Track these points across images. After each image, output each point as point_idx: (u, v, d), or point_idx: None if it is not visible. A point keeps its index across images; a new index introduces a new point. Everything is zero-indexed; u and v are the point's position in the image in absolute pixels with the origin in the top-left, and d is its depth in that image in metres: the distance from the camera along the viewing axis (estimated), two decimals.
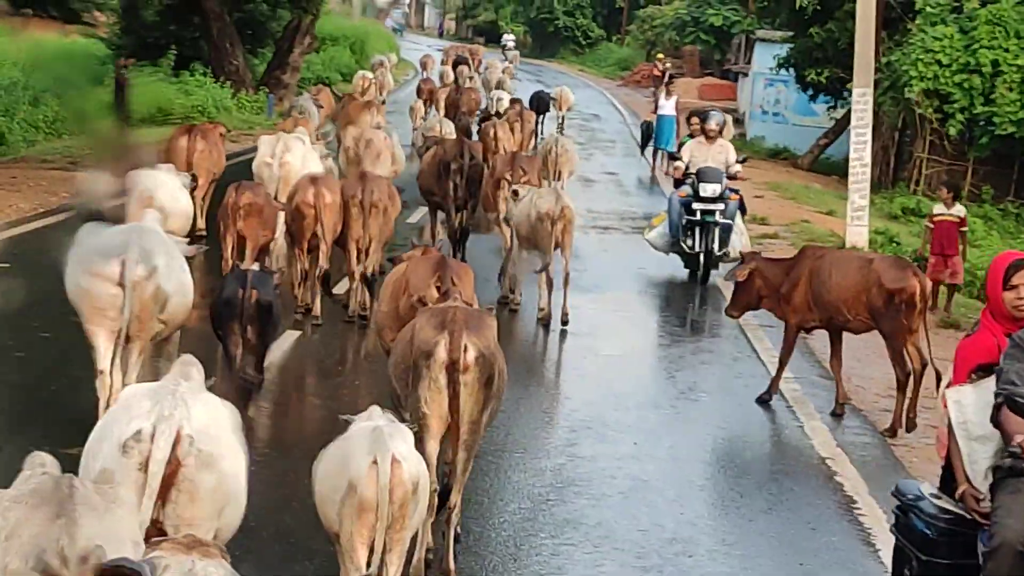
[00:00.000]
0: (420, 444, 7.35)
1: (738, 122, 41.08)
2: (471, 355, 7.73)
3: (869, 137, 22.84)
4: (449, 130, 22.85)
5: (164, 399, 5.96)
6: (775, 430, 12.36)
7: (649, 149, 31.96)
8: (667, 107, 30.82)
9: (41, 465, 5.09)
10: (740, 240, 18.49)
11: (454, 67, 41.10)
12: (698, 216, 18.15)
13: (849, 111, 36.36)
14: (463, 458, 7.81)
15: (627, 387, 13.22)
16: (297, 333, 13.85)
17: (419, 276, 9.62)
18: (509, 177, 16.72)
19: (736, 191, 18.63)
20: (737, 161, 18.74)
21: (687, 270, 18.80)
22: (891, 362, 12.20)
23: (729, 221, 18.26)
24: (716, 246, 18.16)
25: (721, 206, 18.18)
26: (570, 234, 14.98)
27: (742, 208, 19.23)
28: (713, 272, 18.40)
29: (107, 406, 8.71)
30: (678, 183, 18.91)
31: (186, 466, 5.86)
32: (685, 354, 14.82)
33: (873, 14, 23.60)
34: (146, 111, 29.37)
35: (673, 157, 19.17)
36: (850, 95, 35.55)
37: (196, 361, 6.62)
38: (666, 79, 36.27)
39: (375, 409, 6.77)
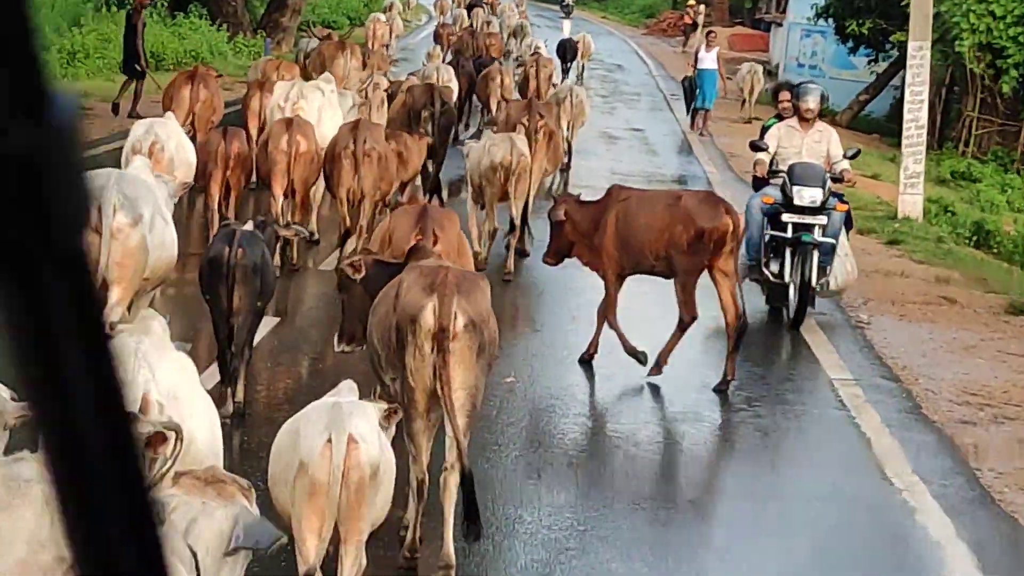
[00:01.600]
0: (406, 423, 7.23)
1: (771, 75, 39.48)
2: (461, 322, 7.41)
3: (926, 96, 21.16)
4: (448, 76, 21.95)
5: (127, 360, 5.78)
6: (838, 454, 10.62)
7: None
8: (708, 60, 28.77)
9: None
10: (845, 266, 14.12)
11: (468, 10, 39.57)
12: (789, 232, 13.56)
13: (892, 64, 35.28)
14: (462, 424, 7.40)
15: (662, 391, 11.61)
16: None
17: (401, 229, 9.59)
18: (526, 123, 16.16)
19: (842, 198, 13.94)
20: (845, 156, 14.04)
21: (769, 306, 14.36)
22: (678, 305, 11.73)
23: (832, 240, 13.60)
24: (814, 275, 13.43)
25: (822, 219, 13.46)
26: (525, 182, 14.67)
27: (848, 222, 14.49)
28: (808, 309, 13.70)
29: None
30: (759, 183, 14.39)
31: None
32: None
33: None
34: None
35: (755, 148, 14.01)
36: (893, 47, 34.60)
37: (159, 315, 6.37)
38: (695, 26, 34.81)
39: (346, 384, 6.43)
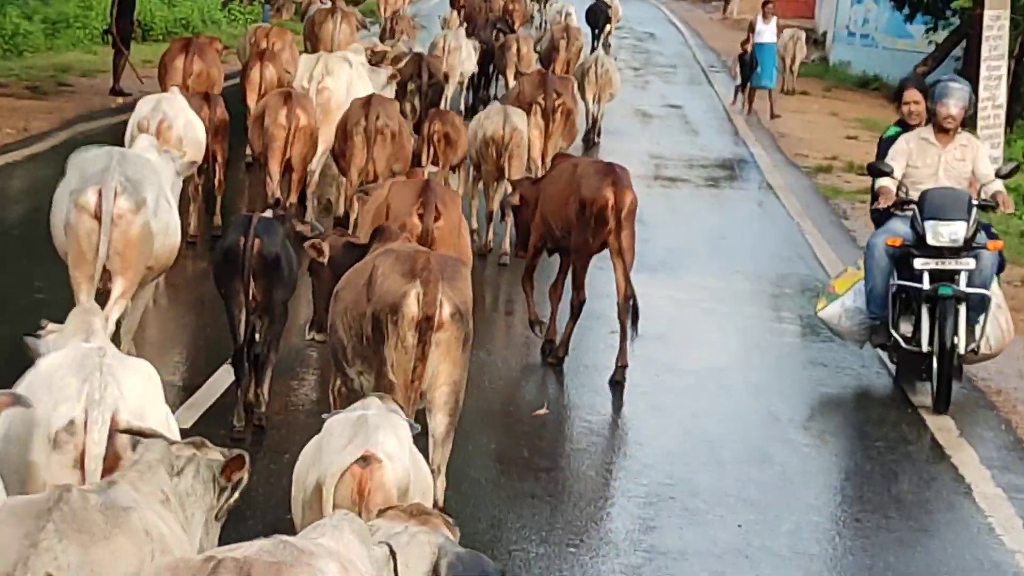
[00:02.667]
0: None
1: (817, 44, 38.46)
2: (447, 311, 7.37)
3: (1004, 72, 19.94)
4: (455, 44, 21.26)
5: (92, 375, 5.61)
6: (936, 498, 9.48)
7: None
8: (766, 33, 27.19)
9: (132, 463, 5.12)
10: (999, 323, 11.33)
11: None
12: (925, 282, 10.90)
13: (953, 33, 34.09)
14: (443, 423, 7.47)
15: (721, 425, 10.43)
16: None
17: (401, 201, 9.58)
18: (542, 101, 15.87)
19: (991, 232, 11.29)
20: (999, 174, 11.32)
21: (899, 382, 11.56)
22: (571, 287, 11.32)
23: (983, 291, 10.94)
24: (960, 338, 10.78)
25: (968, 263, 10.85)
26: (518, 159, 14.33)
27: (1000, 264, 11.46)
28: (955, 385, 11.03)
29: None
30: (882, 216, 11.40)
31: (126, 458, 5.50)
32: (798, 369, 12.01)
33: None
34: None
35: (875, 171, 11.32)
36: (954, 14, 33.40)
37: (96, 308, 6.43)
38: None
39: (373, 400, 6.12)
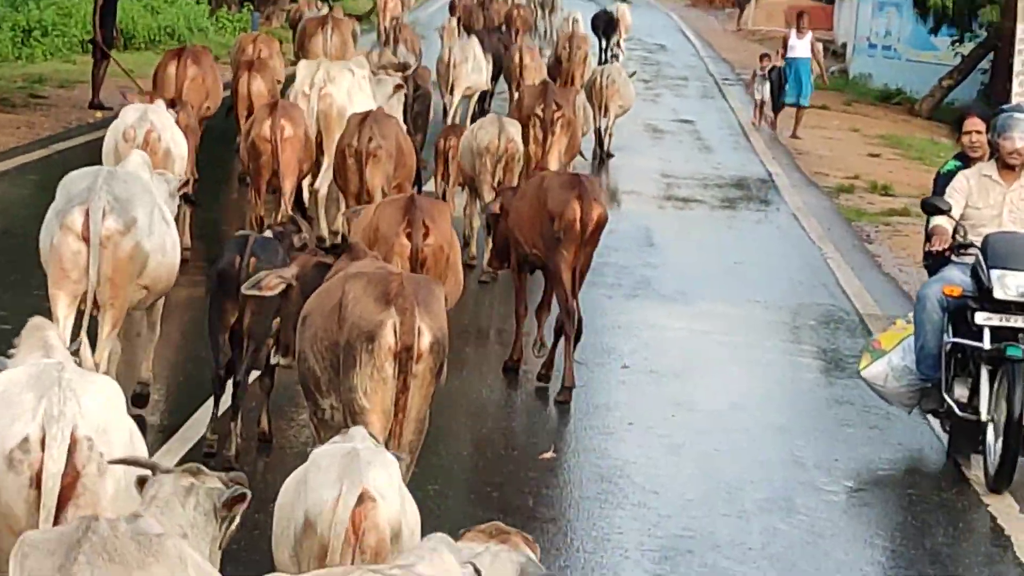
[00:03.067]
0: None
1: (836, 55, 38.34)
2: (426, 340, 7.23)
3: None
4: (461, 57, 21.13)
5: (50, 391, 5.61)
6: (973, 551, 9.23)
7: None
8: (800, 47, 26.86)
9: (151, 499, 5.26)
10: None
11: None
12: (986, 341, 9.93)
13: (979, 46, 33.93)
14: (404, 463, 6.98)
15: (741, 470, 10.14)
16: None
17: (387, 221, 9.67)
18: (541, 113, 15.89)
19: None
20: None
21: (953, 454, 10.64)
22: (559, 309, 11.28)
23: None
24: None
25: None
26: (512, 172, 14.37)
27: None
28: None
29: None
30: (936, 262, 10.60)
31: (86, 476, 5.58)
32: (823, 408, 11.73)
33: None
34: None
35: (930, 208, 10.42)
36: (981, 27, 33.28)
37: (48, 323, 6.40)
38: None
39: (358, 430, 6.02)
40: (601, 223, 11.08)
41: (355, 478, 5.61)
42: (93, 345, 9.13)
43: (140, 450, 5.88)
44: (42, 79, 24.19)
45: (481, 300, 13.86)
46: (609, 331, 13.14)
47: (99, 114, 21.12)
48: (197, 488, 5.32)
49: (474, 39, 22.16)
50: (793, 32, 27.26)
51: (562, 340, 11.24)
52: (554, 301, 11.54)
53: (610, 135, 22.31)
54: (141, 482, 5.49)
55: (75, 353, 6.59)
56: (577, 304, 11.12)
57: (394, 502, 5.68)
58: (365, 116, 13.52)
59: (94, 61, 22.33)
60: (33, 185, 16.87)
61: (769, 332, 13.82)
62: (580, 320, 11.16)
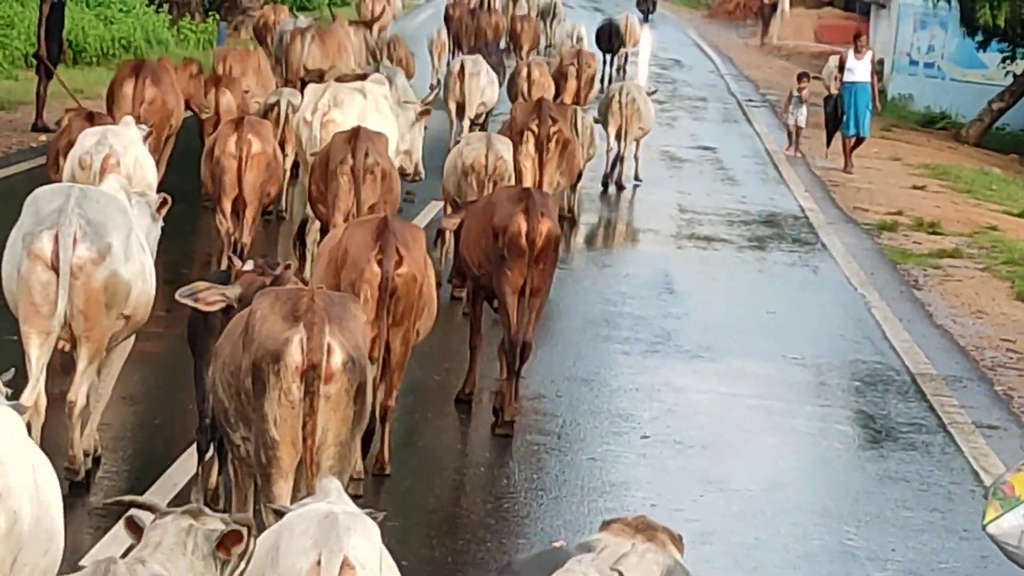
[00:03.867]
0: (265, 488, 7.42)
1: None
2: (337, 359, 7.38)
3: None
4: (477, 70, 21.55)
5: None
6: None
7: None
8: (860, 69, 26.22)
9: (155, 545, 5.57)
10: None
11: None
12: None
13: None
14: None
15: (784, 563, 9.76)
16: None
17: (357, 245, 9.89)
18: (535, 129, 15.97)
19: None
20: None
21: None
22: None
23: None
24: None
25: None
26: None
27: None
28: None
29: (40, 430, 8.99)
30: None
31: None
32: (873, 486, 11.30)
33: None
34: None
35: None
36: None
37: None
38: (774, 8, 32.87)
39: (332, 484, 6.12)
40: (551, 239, 11.27)
41: (334, 545, 5.64)
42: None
43: (46, 487, 5.89)
44: None
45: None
46: (626, 394, 12.75)
47: (43, 137, 20.63)
48: (196, 530, 5.57)
49: (479, 58, 22.14)
50: (851, 52, 26.57)
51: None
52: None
53: (636, 159, 22.40)
54: (130, 525, 5.71)
55: (7, 384, 6.48)
56: (525, 336, 11.25)
57: (374, 570, 5.70)
58: (355, 132, 13.47)
59: (38, 78, 21.93)
60: None
61: (808, 395, 13.45)
62: (525, 349, 11.32)
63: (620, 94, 21.66)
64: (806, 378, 13.93)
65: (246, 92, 18.09)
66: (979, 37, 34.45)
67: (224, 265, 12.57)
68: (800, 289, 17.37)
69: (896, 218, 21.88)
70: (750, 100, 34.69)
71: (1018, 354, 15.27)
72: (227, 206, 13.89)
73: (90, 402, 9.61)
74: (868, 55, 26.49)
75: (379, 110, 15.01)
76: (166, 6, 32.18)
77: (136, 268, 9.36)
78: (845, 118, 25.88)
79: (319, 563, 5.65)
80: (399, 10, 38.70)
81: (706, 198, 22.42)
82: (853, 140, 26.04)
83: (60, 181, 12.15)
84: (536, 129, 15.93)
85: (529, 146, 15.82)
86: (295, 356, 7.32)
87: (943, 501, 11.00)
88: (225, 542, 5.62)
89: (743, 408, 12.89)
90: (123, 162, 12.38)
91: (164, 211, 10.42)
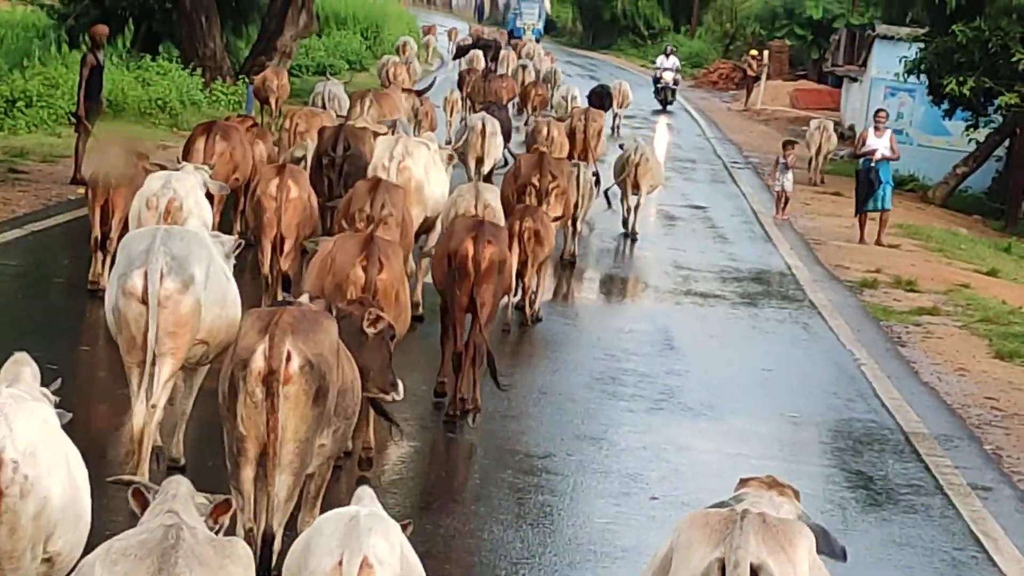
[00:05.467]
0: (233, 470, 7.71)
1: (843, 138, 37.00)
2: (295, 363, 7.63)
3: None
4: (495, 129, 20.81)
5: None
6: None
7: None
8: (880, 145, 24.74)
9: (173, 496, 5.67)
10: None
11: (483, 51, 38.50)
12: None
13: (995, 132, 32.67)
14: (287, 483, 7.68)
15: None
16: None
17: (345, 253, 10.29)
18: (536, 183, 16.33)
19: None
20: None
21: None
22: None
23: None
24: None
25: None
26: None
27: None
28: None
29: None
30: None
31: (8, 496, 5.84)
32: (877, 549, 10.21)
33: None
34: None
35: None
36: (997, 111, 31.99)
37: (30, 360, 6.62)
38: (757, 79, 31.89)
39: (365, 490, 6.27)
40: (494, 261, 11.55)
41: (355, 545, 5.70)
42: None
43: (78, 475, 6.15)
44: (24, 152, 22.75)
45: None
46: (634, 453, 11.72)
47: (81, 190, 19.60)
48: (194, 495, 5.81)
49: (488, 116, 21.29)
50: (871, 131, 25.10)
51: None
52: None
53: (636, 216, 21.82)
54: (136, 494, 5.88)
55: (56, 392, 6.76)
56: (475, 341, 11.46)
57: (392, 569, 5.73)
58: (376, 183, 13.47)
59: (77, 135, 20.97)
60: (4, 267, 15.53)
61: (807, 454, 12.39)
62: (477, 350, 11.49)
63: (635, 153, 21.45)
64: (804, 436, 12.88)
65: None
66: (945, 106, 33.22)
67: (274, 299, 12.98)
68: (792, 346, 16.28)
69: (875, 275, 20.81)
70: (735, 162, 33.61)
71: (1002, 412, 14.27)
72: (267, 245, 13.77)
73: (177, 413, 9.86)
74: (887, 133, 24.92)
75: (435, 164, 15.40)
76: (199, 69, 31.09)
77: (216, 295, 9.43)
78: (877, 193, 24.33)
79: (341, 563, 5.70)
80: (419, 73, 38.43)
81: (700, 255, 21.30)
82: (878, 216, 24.57)
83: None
84: (537, 183, 16.27)
85: (531, 198, 16.08)
86: (258, 362, 7.61)
87: (948, 567, 9.97)
88: (215, 512, 5.89)
89: (748, 468, 11.64)
90: (184, 205, 12.58)
91: (236, 252, 10.38)
